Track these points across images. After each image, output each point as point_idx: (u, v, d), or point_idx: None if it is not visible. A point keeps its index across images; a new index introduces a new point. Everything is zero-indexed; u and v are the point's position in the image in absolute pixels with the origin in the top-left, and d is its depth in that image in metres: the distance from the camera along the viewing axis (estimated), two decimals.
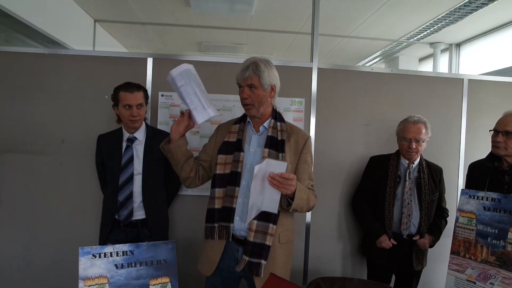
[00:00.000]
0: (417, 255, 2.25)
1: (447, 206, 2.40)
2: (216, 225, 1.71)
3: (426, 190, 2.23)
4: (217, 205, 1.71)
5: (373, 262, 2.38)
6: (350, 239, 2.66)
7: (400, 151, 2.32)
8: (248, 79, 1.67)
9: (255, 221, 1.64)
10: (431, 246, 2.29)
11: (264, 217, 1.63)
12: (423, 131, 2.21)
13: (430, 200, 2.24)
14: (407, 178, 2.25)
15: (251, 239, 1.64)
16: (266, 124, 1.76)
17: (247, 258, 1.64)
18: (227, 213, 1.69)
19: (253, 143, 1.76)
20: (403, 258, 2.25)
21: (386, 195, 2.24)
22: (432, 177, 2.29)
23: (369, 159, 2.45)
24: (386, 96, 2.67)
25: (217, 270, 1.74)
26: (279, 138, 1.72)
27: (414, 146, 2.20)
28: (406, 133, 2.23)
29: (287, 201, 1.61)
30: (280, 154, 1.69)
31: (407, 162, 2.28)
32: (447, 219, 2.36)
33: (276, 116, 1.78)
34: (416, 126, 2.22)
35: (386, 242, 2.22)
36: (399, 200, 2.25)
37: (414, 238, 2.23)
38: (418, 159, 2.29)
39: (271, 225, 1.65)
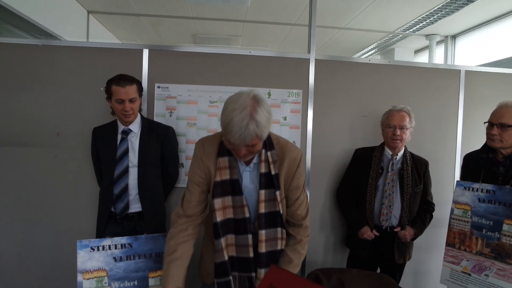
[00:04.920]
0: (399, 248, 2.26)
1: (441, 198, 2.42)
2: (232, 276, 1.54)
3: (408, 182, 2.23)
4: (230, 253, 1.52)
5: (356, 254, 2.39)
6: (334, 231, 2.69)
7: (385, 140, 2.33)
8: (248, 142, 1.34)
9: (263, 231, 1.51)
10: (413, 239, 2.29)
11: (271, 222, 1.53)
12: (407, 119, 2.24)
13: (412, 192, 2.25)
14: (389, 170, 2.26)
15: (262, 250, 1.51)
16: (256, 159, 1.53)
17: (263, 271, 1.51)
18: (246, 263, 1.52)
19: (245, 179, 1.55)
20: (386, 251, 2.27)
21: (368, 187, 2.26)
22: (416, 169, 2.30)
23: (354, 151, 2.47)
24: (383, 88, 2.67)
25: None
26: (273, 172, 1.51)
27: (398, 133, 2.21)
28: (391, 120, 2.26)
29: None
30: (277, 192, 1.51)
31: (391, 153, 2.29)
32: (436, 213, 2.35)
33: (266, 143, 1.52)
34: (400, 113, 2.25)
35: (367, 233, 2.24)
36: (380, 191, 2.26)
37: (395, 230, 2.24)
38: (402, 151, 2.30)
39: (279, 229, 1.54)
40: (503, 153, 1.93)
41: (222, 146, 1.50)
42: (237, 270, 1.53)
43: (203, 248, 1.70)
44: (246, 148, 1.37)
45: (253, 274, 1.51)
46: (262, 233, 1.51)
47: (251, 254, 1.50)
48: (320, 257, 2.68)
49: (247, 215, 1.50)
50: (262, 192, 1.50)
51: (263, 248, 1.51)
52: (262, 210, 1.50)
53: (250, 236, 1.50)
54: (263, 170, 1.50)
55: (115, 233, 2.05)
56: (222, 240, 1.49)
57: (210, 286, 1.67)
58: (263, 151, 1.51)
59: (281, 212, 1.53)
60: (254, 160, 1.54)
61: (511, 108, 1.88)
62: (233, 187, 1.50)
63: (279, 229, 1.54)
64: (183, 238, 1.50)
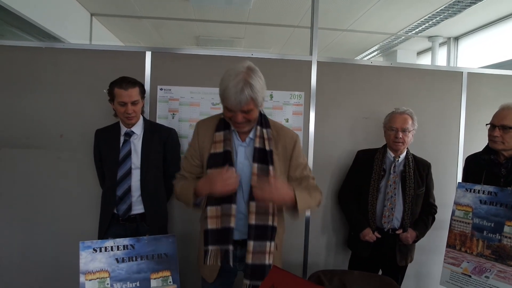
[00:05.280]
0: (401, 250, 2.26)
1: (443, 200, 2.41)
2: (214, 248, 1.59)
3: (410, 184, 2.23)
4: (215, 225, 1.57)
5: (358, 256, 2.39)
6: (336, 232, 2.69)
7: (387, 143, 2.33)
8: (244, 106, 1.43)
9: (252, 242, 1.55)
10: (415, 241, 2.28)
11: (260, 235, 1.55)
12: (410, 121, 2.23)
13: (415, 195, 2.24)
14: (391, 172, 2.26)
15: (249, 261, 1.55)
16: (252, 134, 1.60)
17: (248, 282, 1.55)
18: (227, 234, 1.56)
19: (240, 154, 1.61)
20: (388, 253, 2.27)
21: (370, 188, 2.26)
22: (418, 171, 2.29)
23: (356, 152, 2.47)
24: (385, 90, 2.67)
25: None
26: (267, 148, 1.57)
27: (400, 136, 2.21)
28: (393, 123, 2.25)
29: (291, 210, 1.54)
30: (271, 167, 1.56)
31: (393, 155, 2.29)
32: (438, 214, 2.36)
33: (262, 121, 1.61)
34: (403, 116, 2.25)
35: (369, 235, 2.24)
36: (382, 193, 2.26)
37: (397, 232, 2.23)
38: (404, 153, 2.30)
39: (268, 243, 1.56)
40: (505, 155, 1.93)
41: (220, 123, 1.61)
42: (220, 243, 1.57)
43: (200, 253, 1.72)
44: (243, 114, 1.46)
45: (230, 246, 1.55)
46: (251, 244, 1.55)
47: (232, 224, 1.54)
48: (322, 259, 2.68)
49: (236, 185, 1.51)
50: (255, 165, 1.55)
51: (250, 260, 1.55)
52: (255, 183, 1.53)
53: (233, 206, 1.54)
54: (257, 145, 1.57)
55: (118, 234, 2.06)
56: (210, 208, 1.56)
57: (211, 285, 1.71)
58: (259, 127, 1.58)
59: None
60: (250, 135, 1.60)
61: None
62: (225, 158, 1.54)
63: (267, 243, 1.57)
64: (185, 179, 1.65)
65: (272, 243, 1.57)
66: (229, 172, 1.45)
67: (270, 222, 1.57)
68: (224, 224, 1.55)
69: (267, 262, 1.55)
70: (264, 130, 1.60)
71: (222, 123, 1.60)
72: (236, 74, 1.43)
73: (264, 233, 1.56)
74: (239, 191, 1.58)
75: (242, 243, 1.63)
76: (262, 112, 1.63)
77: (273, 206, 1.58)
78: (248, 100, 1.42)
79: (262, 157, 1.57)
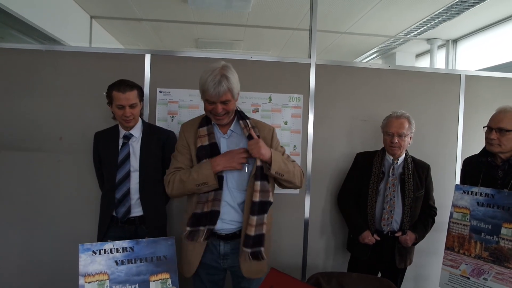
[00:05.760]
0: (400, 253, 2.26)
1: (442, 202, 2.41)
2: (202, 228, 1.73)
3: (410, 187, 2.23)
4: (205, 209, 1.71)
5: (357, 258, 2.39)
6: (334, 235, 2.70)
7: (384, 146, 2.33)
8: (222, 96, 1.63)
9: (255, 217, 1.68)
10: (414, 244, 2.29)
11: (261, 210, 1.70)
12: (406, 126, 2.22)
13: (414, 197, 2.24)
14: (390, 174, 2.26)
15: (252, 233, 1.68)
16: (233, 127, 1.80)
17: (249, 250, 1.69)
18: (215, 216, 1.72)
19: (223, 146, 1.78)
20: (387, 255, 2.27)
21: (369, 191, 2.26)
22: (418, 173, 2.29)
23: (356, 155, 2.47)
24: (384, 92, 2.68)
25: (203, 266, 1.80)
26: (257, 134, 1.76)
27: (396, 141, 2.21)
28: (389, 127, 2.25)
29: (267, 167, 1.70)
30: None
31: (392, 158, 2.29)
32: (437, 217, 2.36)
33: (241, 115, 1.81)
34: (399, 120, 2.24)
35: (369, 238, 2.24)
36: (382, 196, 2.26)
37: (396, 235, 2.24)
38: (403, 156, 2.30)
39: (265, 215, 1.73)
40: (502, 157, 1.94)
41: (202, 120, 1.79)
42: (208, 224, 1.72)
43: (183, 247, 1.82)
44: (222, 106, 1.65)
45: (215, 227, 1.72)
46: (254, 218, 1.70)
47: (219, 208, 1.71)
48: (321, 261, 2.68)
49: (222, 174, 1.71)
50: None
51: (252, 232, 1.68)
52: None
53: (221, 192, 1.72)
54: (247, 133, 1.74)
55: (117, 237, 2.06)
56: (203, 195, 1.71)
57: (197, 274, 1.81)
58: (241, 121, 1.77)
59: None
60: (231, 128, 1.79)
61: (510, 112, 1.89)
62: (212, 150, 1.72)
63: (265, 215, 1.73)
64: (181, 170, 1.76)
65: (265, 215, 1.73)
66: (242, 150, 1.70)
67: (270, 199, 1.74)
68: (213, 207, 1.71)
69: (264, 231, 1.72)
70: (247, 121, 1.79)
71: (204, 120, 1.79)
72: (213, 70, 1.64)
73: (264, 208, 1.72)
74: (226, 180, 1.74)
75: (226, 238, 1.77)
76: (238, 108, 1.82)
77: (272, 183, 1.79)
78: (226, 90, 1.62)
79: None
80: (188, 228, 1.72)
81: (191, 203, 1.78)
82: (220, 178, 1.70)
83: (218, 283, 1.88)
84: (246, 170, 1.74)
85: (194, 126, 1.80)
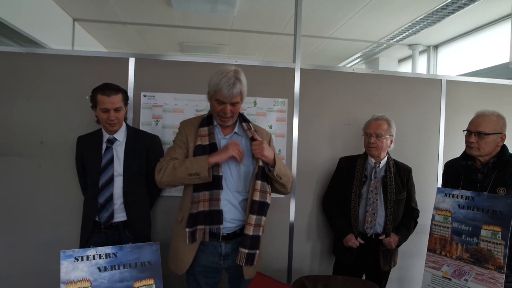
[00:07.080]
0: (384, 255, 2.29)
1: (425, 205, 2.44)
2: (201, 227, 1.74)
3: (392, 189, 2.26)
4: (201, 208, 1.72)
5: (342, 262, 2.41)
6: (320, 238, 2.71)
7: (364, 148, 2.37)
8: (234, 98, 1.70)
9: (254, 216, 1.73)
10: (398, 245, 2.31)
11: (260, 210, 1.74)
12: (384, 127, 2.26)
13: (396, 200, 2.27)
14: (372, 178, 2.29)
15: (250, 232, 1.72)
16: (236, 129, 1.85)
17: (246, 251, 1.72)
18: (217, 216, 1.72)
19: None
20: (371, 258, 2.29)
21: (352, 195, 2.29)
22: (399, 176, 2.33)
23: (339, 159, 2.50)
24: (367, 96, 2.72)
25: (201, 268, 1.80)
26: (260, 138, 1.80)
27: (373, 141, 2.25)
28: (368, 128, 2.31)
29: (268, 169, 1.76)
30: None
31: (374, 161, 2.32)
32: (420, 219, 2.40)
33: (242, 118, 1.87)
34: (378, 121, 2.29)
35: (352, 241, 2.26)
36: (364, 199, 2.29)
37: (380, 237, 2.26)
38: (385, 159, 2.33)
39: (263, 217, 1.76)
40: (481, 161, 1.98)
41: (203, 120, 1.83)
42: (211, 223, 1.73)
43: (178, 238, 1.82)
44: (230, 107, 1.71)
45: (221, 226, 1.73)
46: (253, 217, 1.74)
47: (221, 207, 1.72)
48: (306, 265, 2.69)
49: (220, 173, 1.73)
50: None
51: (250, 231, 1.72)
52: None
53: (221, 191, 1.73)
54: (250, 135, 1.80)
55: (100, 242, 2.02)
56: (201, 193, 1.72)
57: (192, 274, 1.82)
58: (244, 124, 1.84)
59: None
60: (235, 130, 1.84)
61: (488, 117, 1.94)
62: (211, 150, 1.74)
63: (263, 218, 1.76)
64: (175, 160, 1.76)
65: (263, 218, 1.77)
66: (237, 142, 1.75)
67: (267, 200, 1.78)
68: (213, 207, 1.72)
69: (260, 233, 1.76)
70: (250, 124, 1.86)
71: (206, 121, 1.83)
72: (227, 72, 1.70)
73: (262, 209, 1.75)
74: (225, 180, 1.76)
75: (227, 237, 1.78)
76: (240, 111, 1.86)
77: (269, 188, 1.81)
78: (238, 92, 1.70)
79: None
80: (187, 229, 1.73)
81: (185, 203, 1.80)
82: (218, 178, 1.72)
83: (214, 286, 1.88)
84: (241, 168, 1.79)
85: (194, 125, 1.83)
